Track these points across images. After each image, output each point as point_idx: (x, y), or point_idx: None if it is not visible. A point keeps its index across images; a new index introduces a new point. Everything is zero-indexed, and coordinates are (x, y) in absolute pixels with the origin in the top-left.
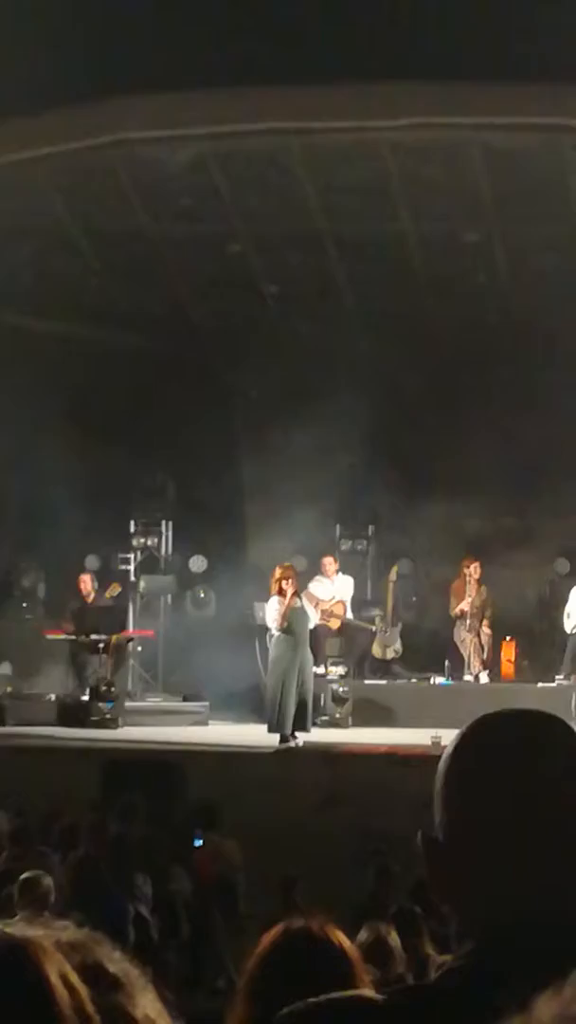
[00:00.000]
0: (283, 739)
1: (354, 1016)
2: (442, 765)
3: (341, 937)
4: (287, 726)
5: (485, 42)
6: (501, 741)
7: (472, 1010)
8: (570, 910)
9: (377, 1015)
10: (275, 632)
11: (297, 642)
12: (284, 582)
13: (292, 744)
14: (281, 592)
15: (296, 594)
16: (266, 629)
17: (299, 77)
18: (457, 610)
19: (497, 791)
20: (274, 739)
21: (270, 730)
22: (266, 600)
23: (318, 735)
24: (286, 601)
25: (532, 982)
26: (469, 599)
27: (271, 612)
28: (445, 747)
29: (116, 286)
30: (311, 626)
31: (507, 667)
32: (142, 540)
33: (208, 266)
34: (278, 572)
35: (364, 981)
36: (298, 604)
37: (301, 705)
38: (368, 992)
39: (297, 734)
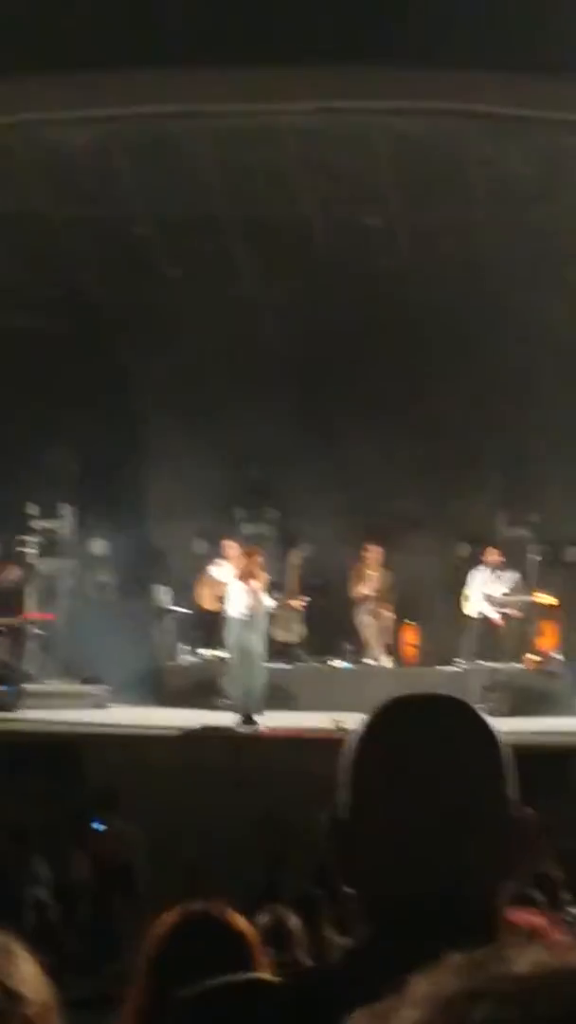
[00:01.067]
0: (249, 720)
1: (251, 999)
2: (349, 746)
3: (239, 920)
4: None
5: (388, 27)
6: (408, 724)
7: (369, 992)
8: (470, 893)
9: (274, 998)
10: (242, 617)
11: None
12: (254, 567)
13: (256, 726)
14: (253, 576)
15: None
16: (168, 611)
17: (202, 60)
18: (359, 594)
19: (402, 773)
20: (176, 721)
21: (243, 714)
22: (166, 583)
23: (220, 720)
24: (258, 586)
25: (426, 964)
26: (371, 583)
27: (241, 597)
28: (348, 730)
29: (16, 268)
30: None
31: (409, 651)
32: (42, 523)
33: (110, 249)
34: (244, 558)
35: (262, 964)
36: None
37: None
38: (265, 975)
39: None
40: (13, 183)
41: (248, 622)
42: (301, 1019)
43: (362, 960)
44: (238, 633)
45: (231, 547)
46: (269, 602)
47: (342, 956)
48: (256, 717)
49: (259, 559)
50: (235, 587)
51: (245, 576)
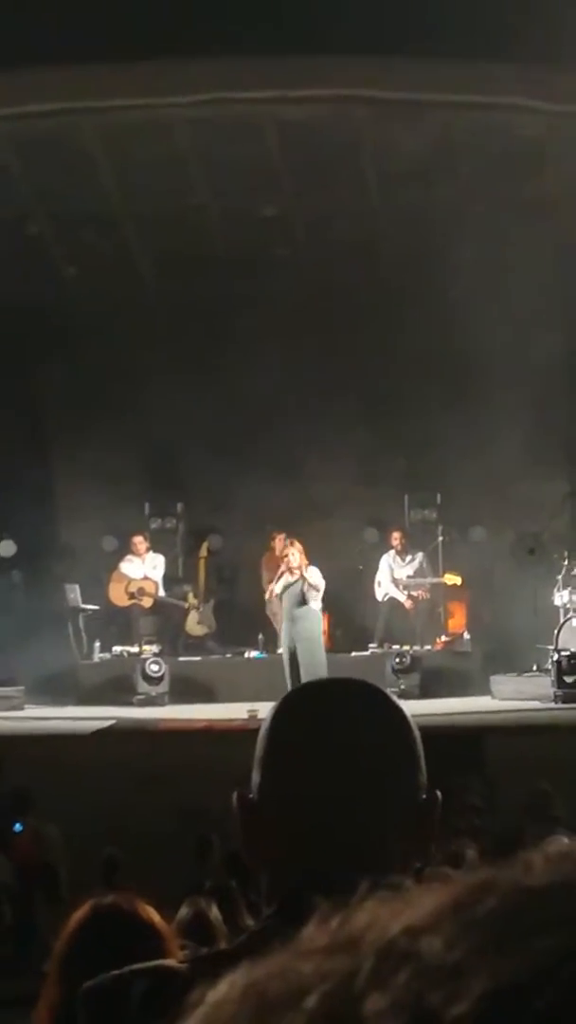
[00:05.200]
0: None
1: (156, 985)
2: (263, 728)
3: (151, 912)
4: None
5: (275, 15)
6: (318, 706)
7: None
8: (374, 873)
9: (178, 983)
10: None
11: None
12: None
13: None
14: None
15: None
16: (79, 609)
17: (90, 55)
18: (270, 587)
19: (311, 754)
20: (91, 719)
21: None
22: (76, 581)
23: (135, 713)
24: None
25: None
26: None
27: (296, 587)
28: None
29: None
30: (312, 602)
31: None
32: None
33: (3, 248)
34: (288, 547)
35: (176, 955)
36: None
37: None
38: (170, 961)
39: None
40: None
41: (308, 611)
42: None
43: (263, 940)
44: (309, 625)
45: (140, 542)
46: (319, 581)
47: (244, 938)
48: None
49: (299, 546)
50: (288, 580)
51: (295, 567)
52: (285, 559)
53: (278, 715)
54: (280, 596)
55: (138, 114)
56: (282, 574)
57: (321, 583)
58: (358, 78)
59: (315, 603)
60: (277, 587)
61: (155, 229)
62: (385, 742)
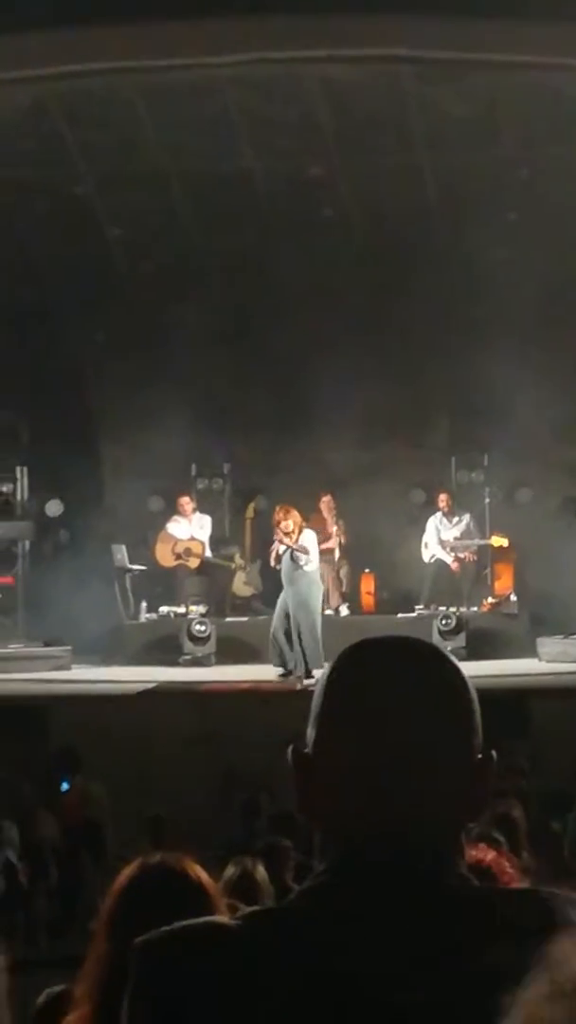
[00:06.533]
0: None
1: (207, 941)
2: (319, 683)
3: (198, 870)
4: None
5: None
6: (375, 663)
7: (322, 929)
8: (430, 832)
9: (229, 939)
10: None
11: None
12: (280, 524)
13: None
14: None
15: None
16: (126, 570)
17: (137, 15)
18: (323, 547)
19: (367, 711)
20: (138, 679)
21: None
22: (123, 542)
23: (181, 675)
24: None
25: (382, 901)
26: (334, 535)
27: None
28: (306, 679)
29: None
30: (306, 565)
31: (367, 599)
32: None
33: (51, 208)
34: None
35: (223, 912)
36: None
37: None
38: (221, 918)
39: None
40: None
41: (302, 574)
42: (255, 957)
43: (317, 897)
44: (303, 587)
45: (187, 503)
46: (311, 545)
47: (297, 894)
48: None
49: (295, 514)
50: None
51: (289, 532)
52: (278, 526)
53: (335, 671)
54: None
55: (184, 74)
56: (280, 540)
57: (313, 548)
58: (404, 38)
59: (309, 567)
60: (276, 552)
61: (201, 190)
62: (442, 701)
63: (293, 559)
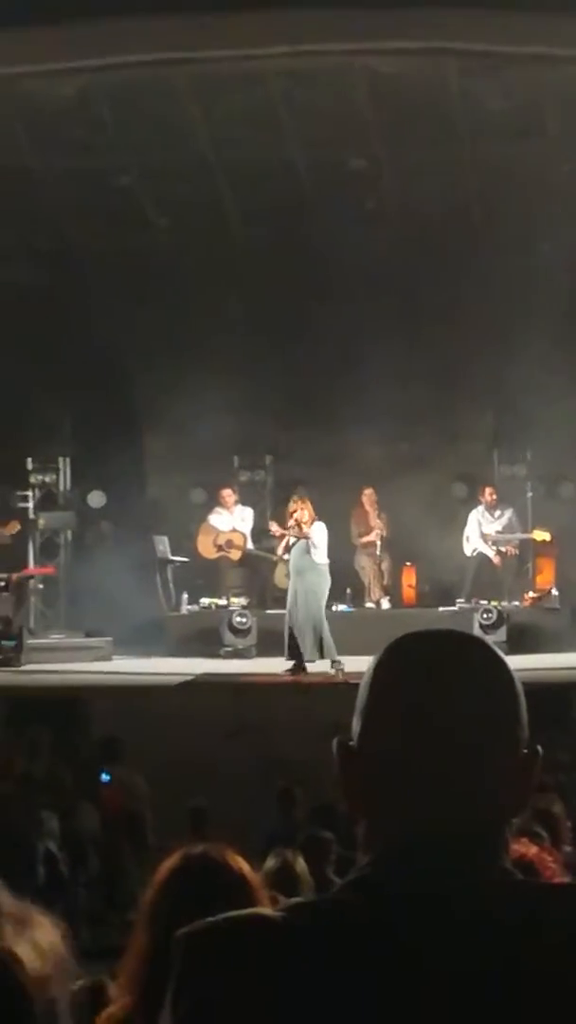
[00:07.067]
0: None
1: (251, 933)
2: (365, 676)
3: (240, 862)
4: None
5: None
6: (422, 656)
7: (368, 921)
8: (475, 826)
9: (273, 931)
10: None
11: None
12: (293, 514)
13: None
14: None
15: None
16: (167, 561)
17: (183, 6)
18: (365, 540)
19: (413, 704)
20: (179, 670)
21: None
22: (165, 533)
23: (222, 666)
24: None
25: (427, 894)
26: (376, 528)
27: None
28: (346, 673)
29: (2, 221)
30: (316, 556)
31: (408, 593)
32: (39, 477)
33: (96, 199)
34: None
35: (264, 904)
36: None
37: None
38: (265, 910)
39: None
40: None
41: (311, 564)
42: (299, 950)
43: (361, 889)
44: (312, 577)
45: (229, 495)
46: (320, 537)
47: (341, 887)
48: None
49: (309, 505)
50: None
51: (303, 521)
52: (292, 516)
53: (381, 664)
54: (288, 552)
55: (230, 65)
56: (290, 530)
57: (322, 539)
58: (448, 30)
59: (318, 557)
60: (286, 543)
61: (245, 180)
62: (489, 695)
63: (303, 550)
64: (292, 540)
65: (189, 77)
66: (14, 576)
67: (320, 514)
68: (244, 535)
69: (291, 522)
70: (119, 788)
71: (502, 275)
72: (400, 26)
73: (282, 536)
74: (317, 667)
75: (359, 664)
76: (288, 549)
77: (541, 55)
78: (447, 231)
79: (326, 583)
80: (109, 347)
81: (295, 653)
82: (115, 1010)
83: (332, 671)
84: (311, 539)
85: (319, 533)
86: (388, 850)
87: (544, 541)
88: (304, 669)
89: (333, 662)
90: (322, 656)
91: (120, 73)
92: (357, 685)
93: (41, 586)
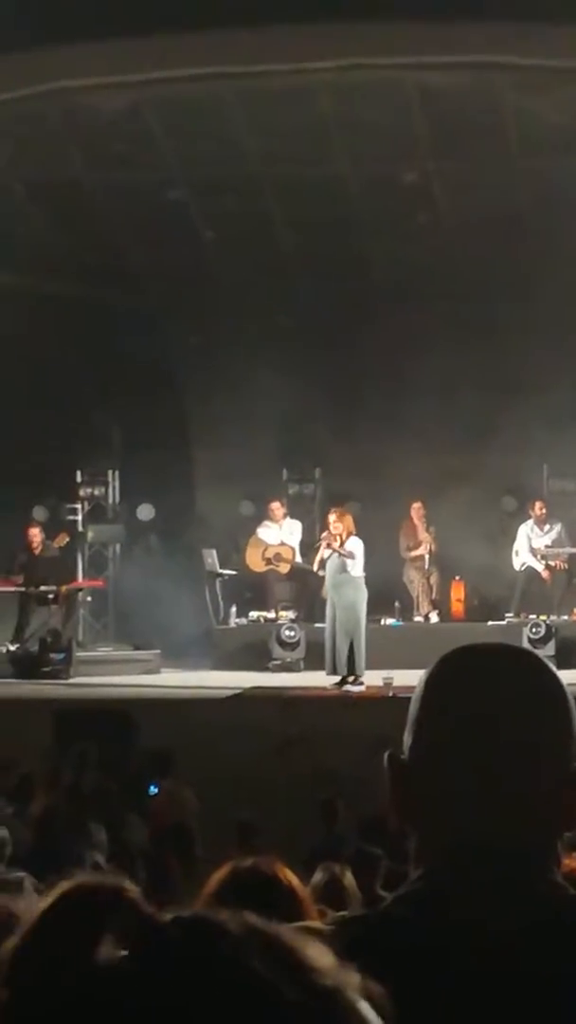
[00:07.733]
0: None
1: None
2: (416, 690)
3: (290, 876)
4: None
5: None
6: (474, 670)
7: (418, 936)
8: (520, 839)
9: (324, 945)
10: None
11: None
12: (330, 527)
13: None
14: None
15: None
16: (216, 574)
17: (233, 21)
18: (414, 554)
19: (464, 718)
20: (227, 683)
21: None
22: (213, 546)
23: (270, 679)
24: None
25: (478, 908)
26: (425, 542)
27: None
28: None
29: (53, 235)
30: (352, 570)
31: (457, 607)
32: (89, 490)
33: (145, 213)
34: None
35: (313, 918)
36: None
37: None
38: (314, 923)
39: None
40: (48, 151)
41: (348, 578)
42: (351, 964)
43: (412, 903)
44: (350, 591)
45: (278, 508)
46: (356, 550)
47: (392, 900)
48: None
49: (348, 518)
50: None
51: (337, 533)
52: (330, 528)
53: (433, 678)
54: (324, 565)
55: (280, 80)
56: (327, 544)
57: (358, 552)
58: (499, 44)
59: (355, 571)
60: (321, 556)
61: (295, 195)
62: (540, 709)
63: (339, 564)
64: (327, 554)
65: (239, 91)
66: (63, 589)
67: (369, 527)
68: (293, 548)
69: (324, 534)
70: (167, 801)
71: (553, 289)
72: (452, 40)
73: (318, 549)
74: (365, 680)
75: (408, 678)
76: (323, 564)
77: None
78: (499, 245)
79: (363, 596)
80: (158, 360)
81: (336, 668)
82: None
83: (381, 684)
84: (345, 554)
85: (356, 547)
86: (439, 864)
87: None
88: (348, 682)
89: (343, 679)
90: (348, 671)
91: (170, 87)
92: (404, 699)
93: (90, 599)
